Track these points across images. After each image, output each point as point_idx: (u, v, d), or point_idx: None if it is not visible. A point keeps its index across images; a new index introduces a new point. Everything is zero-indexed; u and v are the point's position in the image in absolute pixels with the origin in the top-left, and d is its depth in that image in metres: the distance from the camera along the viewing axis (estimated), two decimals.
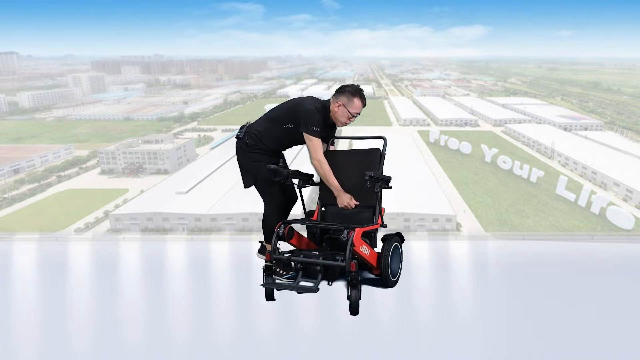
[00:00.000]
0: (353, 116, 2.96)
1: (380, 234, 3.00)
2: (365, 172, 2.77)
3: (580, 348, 2.23)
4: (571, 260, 3.70)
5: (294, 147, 3.07)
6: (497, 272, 3.44)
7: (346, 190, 2.97)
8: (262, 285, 2.74)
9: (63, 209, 37.75)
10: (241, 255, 3.77)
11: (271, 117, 3.01)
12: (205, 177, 41.67)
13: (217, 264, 3.59)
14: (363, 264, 2.79)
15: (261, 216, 3.10)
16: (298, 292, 2.74)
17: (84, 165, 48.50)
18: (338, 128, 3.14)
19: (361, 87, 3.02)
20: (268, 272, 2.74)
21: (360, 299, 2.53)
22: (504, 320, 2.56)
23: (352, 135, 3.67)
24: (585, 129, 58.59)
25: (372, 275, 2.96)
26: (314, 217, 3.11)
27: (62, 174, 46.10)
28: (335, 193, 2.95)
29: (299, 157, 3.26)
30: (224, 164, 44.09)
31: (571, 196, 36.67)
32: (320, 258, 2.75)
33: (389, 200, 3.04)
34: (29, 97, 72.70)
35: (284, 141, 3.01)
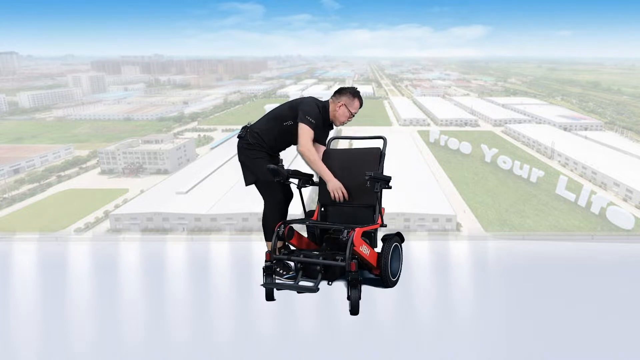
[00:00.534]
0: (352, 115, 3.07)
1: (380, 234, 3.00)
2: (365, 172, 2.77)
3: (580, 348, 2.23)
4: (571, 260, 3.71)
5: (294, 147, 3.10)
6: (497, 272, 3.44)
7: (346, 189, 2.97)
8: (262, 285, 2.74)
9: (63, 209, 37.76)
10: (241, 255, 3.78)
11: (272, 116, 3.08)
12: (205, 177, 41.69)
13: (217, 264, 3.59)
14: (363, 264, 2.79)
15: (261, 216, 3.11)
16: (298, 292, 2.74)
17: (84, 165, 48.53)
18: (337, 128, 3.20)
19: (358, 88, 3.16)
20: (268, 272, 2.75)
21: (360, 299, 2.53)
22: (504, 320, 2.56)
23: (352, 135, 3.67)
24: (585, 129, 58.63)
25: (372, 275, 2.96)
26: (314, 217, 3.11)
27: (62, 174, 46.12)
28: (326, 179, 2.97)
29: (299, 157, 3.27)
30: (224, 164, 44.13)
31: (571, 196, 36.69)
32: (320, 258, 2.75)
33: (389, 200, 3.05)
34: (29, 97, 72.73)
35: (285, 138, 3.05)
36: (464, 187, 40.92)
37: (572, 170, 44.26)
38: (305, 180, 3.05)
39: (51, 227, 33.99)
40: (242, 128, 3.09)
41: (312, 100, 3.03)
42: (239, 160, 3.10)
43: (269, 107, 3.42)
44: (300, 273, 2.84)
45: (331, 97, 3.09)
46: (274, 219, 2.98)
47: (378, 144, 3.07)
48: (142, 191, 40.90)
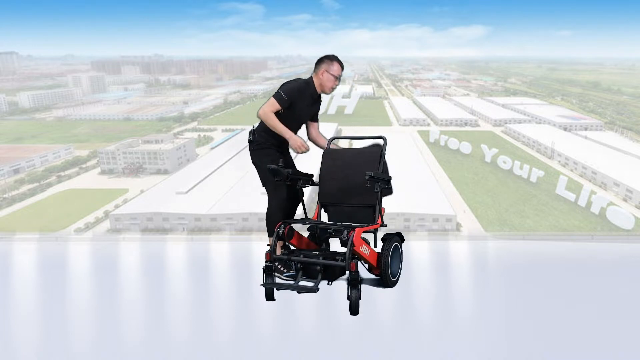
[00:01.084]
0: (336, 79, 3.11)
1: (380, 234, 3.00)
2: (365, 172, 2.77)
3: (580, 348, 2.23)
4: (571, 260, 3.71)
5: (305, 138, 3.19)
6: (497, 272, 3.44)
7: (346, 189, 2.98)
8: (262, 285, 2.74)
9: (63, 209, 37.75)
10: (241, 255, 3.78)
11: None
12: (205, 177, 41.65)
13: (217, 264, 3.59)
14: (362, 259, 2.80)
15: (261, 216, 3.13)
16: (298, 292, 2.74)
17: (84, 165, 48.49)
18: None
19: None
20: (268, 272, 2.74)
21: (360, 299, 2.53)
22: (504, 320, 2.56)
23: (352, 135, 3.67)
24: (585, 129, 58.57)
25: (372, 275, 2.96)
26: (314, 217, 3.11)
27: (62, 174, 46.09)
28: (287, 137, 3.00)
29: (299, 156, 3.28)
30: (224, 164, 44.10)
31: (571, 196, 36.66)
32: (320, 258, 2.75)
33: (389, 200, 3.05)
34: (29, 97, 72.66)
35: (286, 126, 3.06)
36: (464, 187, 40.91)
37: (572, 170, 44.24)
38: (305, 180, 3.05)
39: (51, 227, 33.98)
40: (250, 132, 3.16)
41: (293, 80, 3.13)
42: (252, 163, 3.17)
43: None
44: (300, 273, 2.84)
45: (313, 71, 3.16)
46: (277, 217, 3.01)
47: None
48: (142, 191, 40.88)
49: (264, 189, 3.15)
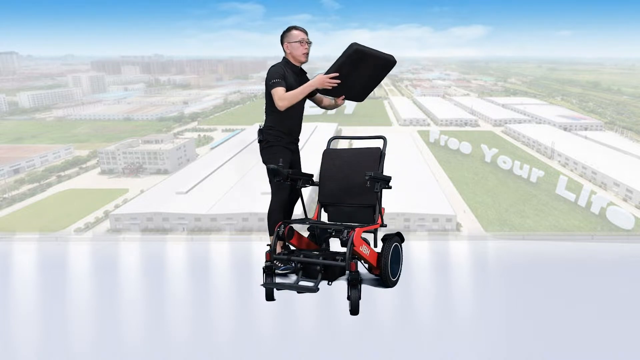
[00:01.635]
0: (301, 43, 3.08)
1: (380, 234, 3.00)
2: (365, 172, 2.77)
3: (580, 348, 2.23)
4: (571, 260, 3.71)
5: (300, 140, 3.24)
6: (497, 272, 3.44)
7: (346, 189, 2.98)
8: (262, 285, 2.74)
9: (63, 209, 37.74)
10: (241, 255, 3.78)
11: (268, 108, 3.15)
12: (205, 177, 41.61)
13: (217, 264, 3.59)
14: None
15: (261, 216, 3.14)
16: (298, 292, 2.74)
17: (84, 165, 48.47)
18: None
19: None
20: (268, 272, 2.74)
21: (360, 299, 2.53)
22: (504, 320, 2.56)
23: (352, 135, 3.68)
24: (585, 129, 58.55)
25: (372, 275, 2.96)
26: (314, 217, 3.12)
27: (62, 174, 46.09)
28: (311, 87, 3.00)
29: (301, 155, 3.28)
30: (224, 164, 44.08)
31: (571, 196, 36.67)
32: (320, 258, 2.75)
33: (389, 200, 3.05)
34: (29, 97, 72.63)
35: (288, 114, 3.09)
36: (464, 187, 40.90)
37: (572, 170, 44.22)
38: (305, 180, 3.05)
39: (51, 227, 33.98)
40: (258, 132, 3.16)
41: (270, 68, 3.11)
42: (263, 162, 3.17)
43: None
44: (300, 273, 2.84)
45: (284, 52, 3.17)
46: (278, 216, 3.03)
47: (378, 143, 3.08)
48: (142, 191, 40.86)
49: (263, 189, 3.15)
